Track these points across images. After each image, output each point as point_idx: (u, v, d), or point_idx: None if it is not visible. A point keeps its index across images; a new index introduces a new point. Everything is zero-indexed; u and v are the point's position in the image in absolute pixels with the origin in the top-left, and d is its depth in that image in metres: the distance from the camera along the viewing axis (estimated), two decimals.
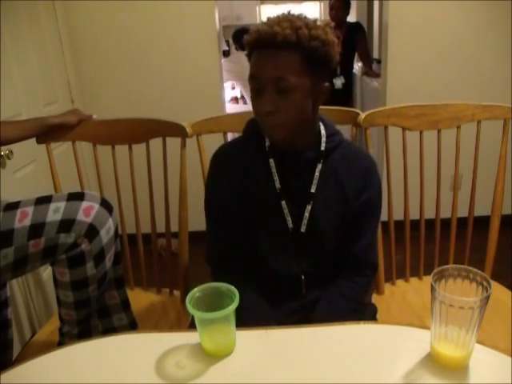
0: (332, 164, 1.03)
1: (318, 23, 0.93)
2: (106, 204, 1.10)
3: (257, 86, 0.95)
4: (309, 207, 1.03)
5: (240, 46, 3.77)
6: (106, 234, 1.07)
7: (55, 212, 1.04)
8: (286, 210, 1.04)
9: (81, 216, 1.04)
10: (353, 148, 1.11)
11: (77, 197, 1.07)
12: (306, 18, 0.94)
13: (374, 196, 1.07)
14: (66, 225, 1.03)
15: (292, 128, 0.96)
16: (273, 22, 0.92)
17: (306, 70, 0.92)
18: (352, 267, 1.08)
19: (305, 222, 1.04)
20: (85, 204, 1.06)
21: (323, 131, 1.04)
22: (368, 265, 1.12)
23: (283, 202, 1.03)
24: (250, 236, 1.08)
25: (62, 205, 1.05)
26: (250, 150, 1.07)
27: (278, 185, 1.03)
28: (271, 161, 1.04)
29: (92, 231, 1.05)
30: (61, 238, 1.03)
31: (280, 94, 0.92)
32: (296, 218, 1.04)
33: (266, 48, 0.92)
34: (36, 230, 1.02)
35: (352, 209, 1.04)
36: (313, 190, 1.03)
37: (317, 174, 1.02)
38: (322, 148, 1.02)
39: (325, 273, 1.08)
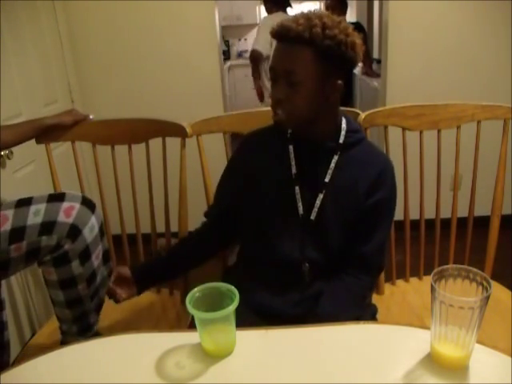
0: (349, 159, 1.06)
1: (342, 24, 0.95)
2: (87, 202, 1.08)
3: (273, 76, 1.01)
4: (321, 196, 1.05)
5: (271, 6, 3.35)
6: (89, 232, 1.06)
7: (36, 215, 1.02)
8: (298, 196, 1.06)
9: (62, 217, 1.03)
10: (372, 148, 1.12)
11: (57, 198, 1.06)
12: (327, 17, 0.96)
13: (386, 198, 1.07)
14: (48, 227, 1.02)
15: (299, 119, 1.01)
16: (294, 17, 0.97)
17: (318, 66, 0.95)
18: (359, 266, 1.09)
19: (315, 209, 1.06)
20: (65, 205, 1.04)
21: (344, 125, 1.07)
22: (375, 266, 1.13)
23: (297, 188, 1.06)
24: (259, 220, 1.10)
25: (42, 207, 1.03)
26: (274, 136, 1.11)
27: (294, 170, 1.07)
28: (290, 147, 1.08)
29: (74, 231, 1.04)
30: (43, 241, 1.02)
31: (290, 85, 0.97)
32: (307, 205, 1.06)
33: (283, 41, 0.98)
34: (17, 233, 1.01)
35: (362, 207, 1.05)
36: (326, 180, 1.05)
37: (332, 164, 1.05)
38: (341, 141, 1.05)
39: (329, 264, 1.08)
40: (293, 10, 3.43)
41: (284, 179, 1.07)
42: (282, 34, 0.97)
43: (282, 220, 1.09)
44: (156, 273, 1.18)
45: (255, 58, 3.28)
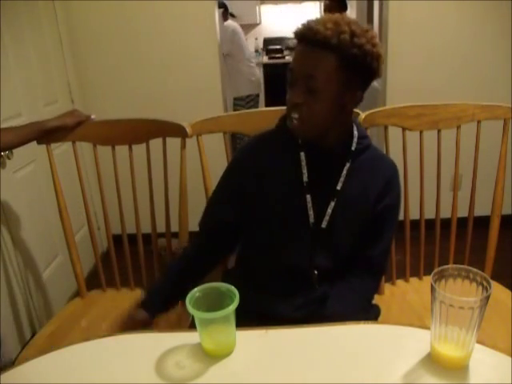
0: (358, 165, 1.04)
1: (369, 33, 0.93)
2: None
3: (292, 78, 0.96)
4: (332, 203, 1.03)
5: (227, 14, 3.77)
6: None
7: None
8: (309, 204, 1.04)
9: None
10: (379, 153, 1.11)
11: None
12: (355, 24, 0.93)
13: (395, 202, 1.07)
14: None
15: (314, 127, 0.98)
16: (321, 19, 0.93)
17: (340, 75, 0.92)
18: (365, 269, 1.09)
19: (327, 218, 1.04)
20: None
21: (355, 132, 1.05)
22: (380, 269, 1.13)
23: (308, 196, 1.04)
24: (266, 229, 1.08)
25: None
26: (280, 143, 1.08)
27: (305, 178, 1.04)
28: (302, 154, 1.04)
29: None
30: None
31: (309, 91, 0.94)
32: (317, 214, 1.04)
33: (307, 44, 0.93)
34: None
35: (372, 212, 1.04)
36: (338, 187, 1.03)
37: (344, 172, 1.03)
38: (353, 148, 1.04)
39: (338, 270, 1.08)
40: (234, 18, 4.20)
41: (294, 187, 1.04)
42: (307, 36, 0.92)
43: (291, 228, 1.06)
44: (166, 298, 1.12)
45: None
